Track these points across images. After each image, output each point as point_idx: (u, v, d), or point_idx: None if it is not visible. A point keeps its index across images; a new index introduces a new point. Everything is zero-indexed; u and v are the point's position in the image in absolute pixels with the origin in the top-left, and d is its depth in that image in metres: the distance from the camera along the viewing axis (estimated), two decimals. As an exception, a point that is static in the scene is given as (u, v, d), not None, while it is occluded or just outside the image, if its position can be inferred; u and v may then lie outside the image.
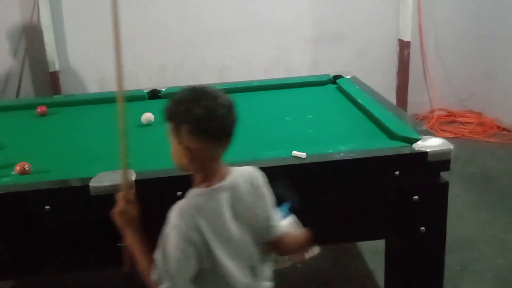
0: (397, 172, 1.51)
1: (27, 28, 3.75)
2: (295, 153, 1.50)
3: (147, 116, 2.02)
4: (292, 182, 1.48)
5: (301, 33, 3.98)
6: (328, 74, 2.55)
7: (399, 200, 1.54)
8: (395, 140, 1.64)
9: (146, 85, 2.70)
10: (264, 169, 1.42)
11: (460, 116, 3.95)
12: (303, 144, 1.62)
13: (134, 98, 2.46)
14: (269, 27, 3.93)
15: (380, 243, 1.85)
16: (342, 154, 1.51)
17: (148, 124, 1.94)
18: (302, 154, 1.49)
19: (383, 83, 3.77)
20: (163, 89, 2.51)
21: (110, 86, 3.93)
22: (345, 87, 2.29)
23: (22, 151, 1.79)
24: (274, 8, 3.91)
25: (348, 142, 1.62)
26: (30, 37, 3.77)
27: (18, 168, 1.55)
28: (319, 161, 1.49)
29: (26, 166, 1.56)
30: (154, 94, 2.50)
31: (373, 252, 2.18)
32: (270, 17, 3.91)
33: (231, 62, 3.98)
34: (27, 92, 3.83)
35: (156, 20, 3.90)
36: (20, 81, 3.75)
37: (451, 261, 1.95)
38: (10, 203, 1.40)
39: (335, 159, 1.49)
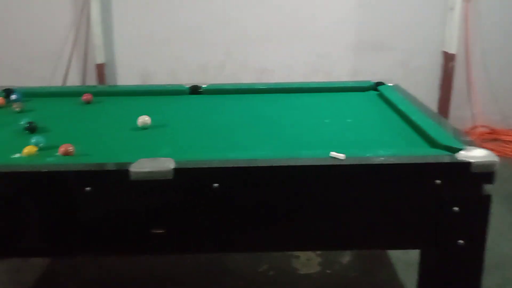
0: (438, 181, 1.46)
1: (78, 21, 3.90)
2: (333, 153, 1.48)
3: (144, 120, 1.91)
4: (328, 183, 1.48)
5: (343, 40, 3.96)
6: (370, 81, 2.52)
7: (438, 210, 1.50)
8: (437, 148, 1.60)
9: (187, 82, 2.74)
10: (302, 168, 1.44)
11: (503, 134, 3.82)
12: (342, 146, 1.60)
13: (175, 92, 2.52)
14: (310, 32, 3.93)
15: (414, 255, 1.80)
16: (382, 158, 1.49)
17: (144, 128, 1.90)
18: (341, 156, 1.48)
19: (425, 95, 3.65)
20: (204, 85, 2.55)
21: (152, 80, 4.04)
22: (387, 94, 2.26)
23: (66, 134, 1.85)
24: (316, 13, 3.91)
25: (388, 148, 1.59)
26: (79, 29, 3.92)
27: (62, 149, 1.60)
28: (358, 163, 1.46)
29: (70, 148, 1.61)
30: (194, 90, 2.53)
31: (406, 263, 2.12)
32: (312, 22, 3.91)
33: (271, 66, 4.00)
34: (74, 81, 3.97)
35: (199, 21, 3.97)
36: (67, 70, 3.90)
37: (488, 279, 1.87)
38: (53, 181, 1.44)
39: (374, 162, 1.47)
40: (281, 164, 1.44)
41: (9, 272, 2.25)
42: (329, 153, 1.49)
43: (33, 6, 3.89)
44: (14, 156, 1.59)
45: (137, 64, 4.06)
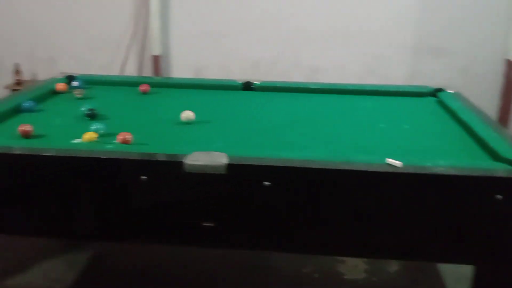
0: (499, 196, 1.39)
1: (137, 13, 4.01)
2: (389, 160, 1.44)
3: (187, 115, 1.92)
4: (383, 190, 1.44)
5: (400, 42, 3.84)
6: (428, 86, 2.43)
7: (497, 226, 1.42)
8: (499, 162, 1.52)
9: (238, 78, 2.74)
10: (357, 173, 1.41)
11: None
12: (398, 153, 1.55)
13: (228, 87, 2.54)
14: (366, 32, 3.84)
15: (465, 269, 1.73)
16: (441, 168, 1.43)
17: (188, 123, 1.92)
18: (398, 163, 1.43)
19: (484, 104, 3.51)
20: (257, 82, 2.55)
21: (204, 74, 4.10)
22: (447, 102, 2.17)
23: (124, 123, 1.91)
24: (373, 13, 3.81)
25: (447, 158, 1.53)
26: (139, 21, 4.03)
27: (120, 137, 1.65)
28: (416, 172, 1.41)
29: (128, 136, 1.65)
30: (247, 86, 2.54)
31: (457, 279, 2.04)
32: (369, 22, 3.82)
33: (324, 65, 3.95)
34: (131, 71, 4.10)
35: (254, 17, 3.98)
36: (125, 60, 4.02)
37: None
38: (111, 168, 1.49)
39: (433, 172, 1.41)
40: (335, 168, 1.42)
41: (62, 251, 2.36)
42: (384, 159, 1.45)
43: (96, -3, 4.05)
44: (74, 141, 1.66)
45: (191, 57, 4.13)
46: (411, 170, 1.42)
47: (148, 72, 4.08)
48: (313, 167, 1.42)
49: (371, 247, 1.51)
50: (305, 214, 1.47)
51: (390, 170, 1.41)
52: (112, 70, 4.08)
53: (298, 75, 3.92)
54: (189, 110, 1.94)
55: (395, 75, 3.80)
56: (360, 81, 3.63)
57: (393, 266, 2.21)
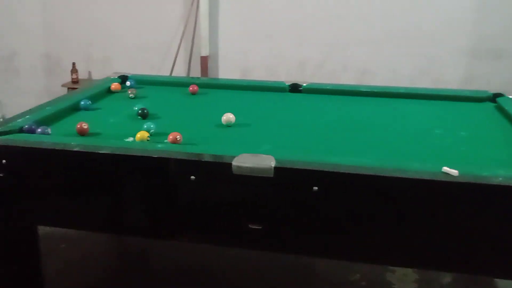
0: None
1: (187, 14, 4.08)
2: (446, 169, 1.38)
3: (228, 117, 1.91)
4: (437, 200, 1.38)
5: (456, 45, 3.69)
6: (487, 91, 2.32)
7: None
8: None
9: (285, 79, 2.72)
10: (410, 181, 1.35)
11: None
12: (455, 161, 1.48)
13: (275, 89, 2.53)
14: (420, 34, 3.71)
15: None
16: (500, 179, 1.35)
17: (228, 125, 1.91)
18: (454, 172, 1.37)
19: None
20: (304, 84, 2.52)
21: (250, 75, 4.12)
22: (507, 107, 2.05)
23: (174, 122, 1.94)
24: (428, 13, 3.68)
25: (507, 168, 1.44)
26: (188, 22, 4.10)
27: (171, 137, 1.68)
28: (473, 182, 1.34)
29: (178, 136, 1.68)
30: (294, 88, 2.52)
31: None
32: (422, 23, 3.69)
33: (374, 67, 3.86)
34: (180, 71, 4.18)
35: (301, 18, 3.95)
36: (174, 61, 4.10)
37: None
38: (162, 167, 1.52)
39: (492, 183, 1.34)
40: (387, 175, 1.37)
41: (114, 246, 2.44)
42: (440, 167, 1.39)
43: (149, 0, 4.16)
44: (127, 140, 1.70)
45: (238, 58, 4.16)
46: (468, 180, 1.35)
47: (196, 72, 4.15)
48: (364, 173, 1.38)
49: (422, 258, 1.45)
50: (353, 221, 1.44)
51: (446, 179, 1.35)
52: (162, 70, 4.18)
53: (346, 77, 3.86)
54: (234, 112, 1.94)
55: (450, 79, 3.65)
56: (412, 84, 3.52)
57: (446, 277, 2.12)
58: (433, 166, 1.41)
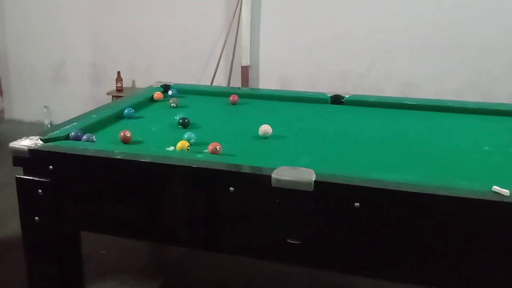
0: None
1: (229, 24, 4.13)
2: (496, 188, 1.31)
3: (265, 129, 1.90)
4: (487, 221, 1.31)
5: (507, 57, 3.54)
6: (541, 106, 2.20)
7: None
8: None
9: (325, 90, 2.70)
10: (457, 200, 1.29)
11: None
12: (505, 180, 1.41)
13: (316, 100, 2.50)
14: (468, 45, 3.59)
15: None
16: (556, 201, 1.27)
17: (264, 137, 1.89)
18: (506, 191, 1.29)
19: None
20: (347, 96, 2.48)
21: (290, 85, 4.11)
22: None
23: (214, 132, 1.95)
24: (476, 26, 3.55)
25: None
26: (230, 33, 4.15)
27: (210, 147, 1.69)
28: (526, 203, 1.27)
29: (218, 147, 1.69)
30: (336, 99, 2.49)
31: None
32: (471, 35, 3.57)
33: (418, 79, 3.76)
34: (220, 81, 4.23)
35: (343, 28, 3.91)
36: (215, 71, 4.15)
37: None
38: (202, 178, 1.52)
39: (547, 204, 1.26)
40: (432, 193, 1.31)
41: (152, 253, 2.47)
42: (489, 186, 1.32)
43: (192, 10, 4.24)
44: (168, 149, 1.73)
45: (278, 68, 4.16)
46: (520, 200, 1.27)
47: (236, 82, 4.18)
48: (407, 190, 1.33)
49: (467, 280, 1.38)
50: (395, 239, 1.39)
51: (496, 199, 1.28)
52: (203, 79, 4.25)
53: (389, 89, 3.78)
54: (274, 123, 1.93)
55: (500, 92, 3.50)
56: (459, 98, 3.40)
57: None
58: (481, 184, 1.34)
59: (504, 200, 1.27)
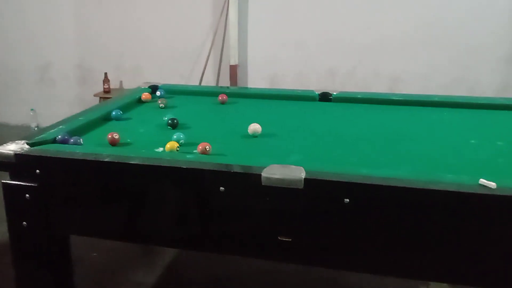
0: None
1: (216, 24, 4.12)
2: (483, 181, 1.32)
3: (254, 128, 1.90)
4: (473, 214, 1.32)
5: (492, 52, 3.58)
6: (526, 99, 2.23)
7: None
8: None
9: (314, 87, 2.71)
10: (445, 193, 1.31)
11: None
12: (491, 173, 1.42)
13: (305, 98, 2.51)
14: (455, 41, 3.62)
15: None
16: (543, 192, 1.29)
17: (254, 136, 1.89)
18: (492, 184, 1.31)
19: None
20: (334, 93, 2.49)
21: (279, 83, 4.11)
22: (548, 116, 1.97)
23: (203, 132, 1.95)
24: (463, 21, 3.59)
25: (549, 180, 1.38)
26: (217, 32, 4.14)
27: (200, 147, 1.68)
28: (513, 195, 1.28)
29: (207, 147, 1.68)
30: (325, 97, 2.49)
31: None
32: (457, 30, 3.60)
33: (405, 75, 3.79)
34: (209, 80, 4.22)
35: (330, 26, 3.93)
36: (204, 70, 4.14)
37: None
38: (192, 178, 1.51)
39: (533, 196, 1.27)
40: (420, 187, 1.32)
41: (144, 255, 2.46)
42: (476, 179, 1.34)
43: (179, 10, 4.22)
44: (157, 150, 1.72)
45: (267, 66, 4.17)
46: (507, 193, 1.29)
47: (225, 81, 4.18)
48: (396, 185, 1.34)
49: (456, 272, 1.39)
50: (385, 234, 1.40)
51: (483, 191, 1.29)
52: (192, 79, 4.23)
53: (377, 85, 3.80)
54: (264, 121, 1.93)
55: (485, 87, 3.55)
56: (446, 92, 3.44)
57: (481, 294, 2.04)
58: (469, 178, 1.35)
59: (491, 193, 1.29)
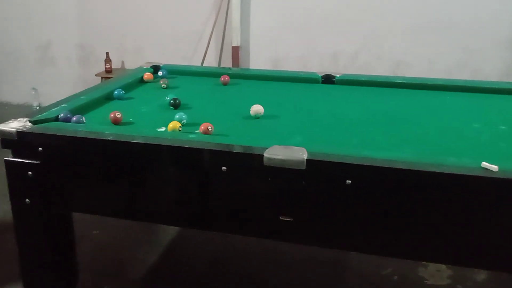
0: None
1: (219, 4, 4.07)
2: (485, 164, 1.33)
3: (256, 109, 1.89)
4: (475, 196, 1.33)
5: (496, 35, 3.55)
6: (530, 83, 2.22)
7: None
8: None
9: (317, 70, 2.68)
10: (447, 176, 1.31)
11: None
12: (494, 156, 1.43)
13: (307, 80, 2.50)
14: (459, 24, 3.58)
15: None
16: (544, 176, 1.29)
17: (256, 117, 1.88)
18: (494, 167, 1.31)
19: None
20: (338, 75, 2.48)
21: (282, 66, 4.08)
22: (551, 101, 1.96)
23: (206, 113, 1.94)
24: (467, 4, 3.54)
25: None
26: (220, 13, 4.09)
27: (202, 128, 1.68)
28: (514, 178, 1.29)
29: (210, 127, 1.68)
30: (328, 79, 2.48)
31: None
32: (462, 14, 3.56)
33: (409, 58, 3.76)
34: (211, 61, 4.19)
35: (335, 8, 3.88)
36: (206, 51, 4.11)
37: None
38: (194, 158, 1.52)
39: (535, 180, 1.28)
40: (423, 169, 1.33)
41: (145, 233, 2.48)
42: (478, 162, 1.34)
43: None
44: (159, 130, 1.72)
45: (269, 48, 4.13)
46: (508, 176, 1.29)
47: (227, 62, 4.15)
48: (398, 167, 1.34)
49: (456, 254, 1.41)
50: (386, 215, 1.41)
51: (485, 174, 1.30)
52: (194, 60, 4.21)
53: (380, 68, 3.78)
54: (266, 103, 1.92)
55: (489, 71, 3.52)
56: (449, 76, 3.42)
57: (481, 274, 2.06)
58: (471, 161, 1.36)
59: (493, 176, 1.29)
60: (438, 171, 1.32)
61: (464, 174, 1.31)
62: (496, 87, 2.27)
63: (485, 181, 1.30)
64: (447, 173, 1.32)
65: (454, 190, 1.34)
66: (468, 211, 1.35)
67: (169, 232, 2.45)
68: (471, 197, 1.33)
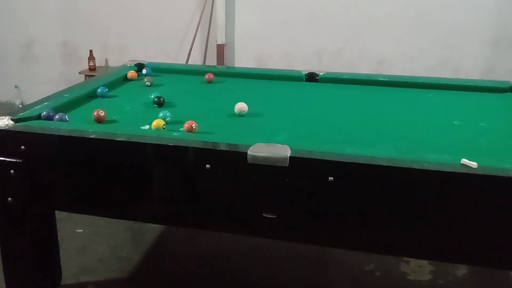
0: None
1: (203, 2, 4.06)
2: (464, 161, 1.36)
3: (240, 107, 1.90)
4: (455, 192, 1.36)
5: (478, 34, 3.61)
6: (509, 81, 2.26)
7: None
8: None
9: (301, 68, 2.70)
10: (427, 172, 1.34)
11: None
12: (473, 153, 1.46)
13: (291, 78, 2.51)
14: (440, 21, 3.64)
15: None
16: (521, 172, 1.32)
17: (240, 115, 1.89)
18: (473, 164, 1.34)
19: None
20: (321, 73, 2.50)
21: (266, 64, 4.09)
22: (529, 99, 2.01)
23: (190, 111, 1.94)
24: (448, 3, 3.60)
25: (528, 160, 1.41)
26: (204, 10, 4.08)
27: (186, 125, 1.69)
28: (492, 174, 1.32)
29: (194, 125, 1.68)
30: (311, 77, 2.50)
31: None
32: (443, 12, 3.61)
33: (392, 56, 3.81)
34: (196, 59, 4.18)
35: (317, 6, 3.90)
36: (190, 49, 4.10)
37: None
38: (178, 156, 1.52)
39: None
40: (404, 166, 1.35)
41: (129, 231, 2.47)
42: (458, 159, 1.37)
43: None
44: (143, 128, 1.71)
45: (253, 46, 4.14)
46: (487, 172, 1.32)
47: (212, 60, 4.14)
48: (380, 164, 1.37)
49: (437, 250, 1.44)
50: (368, 212, 1.43)
51: (465, 171, 1.33)
52: (178, 58, 4.19)
53: (363, 66, 3.81)
54: (250, 100, 1.93)
55: (470, 69, 3.58)
56: (431, 74, 3.47)
57: (461, 269, 2.10)
58: (451, 158, 1.39)
59: (473, 172, 1.32)
60: (420, 167, 1.35)
61: (445, 171, 1.34)
62: (477, 85, 2.32)
63: (464, 177, 1.33)
64: (428, 170, 1.34)
65: (435, 187, 1.36)
66: (449, 207, 1.38)
67: (154, 230, 2.44)
68: (452, 194, 1.36)
